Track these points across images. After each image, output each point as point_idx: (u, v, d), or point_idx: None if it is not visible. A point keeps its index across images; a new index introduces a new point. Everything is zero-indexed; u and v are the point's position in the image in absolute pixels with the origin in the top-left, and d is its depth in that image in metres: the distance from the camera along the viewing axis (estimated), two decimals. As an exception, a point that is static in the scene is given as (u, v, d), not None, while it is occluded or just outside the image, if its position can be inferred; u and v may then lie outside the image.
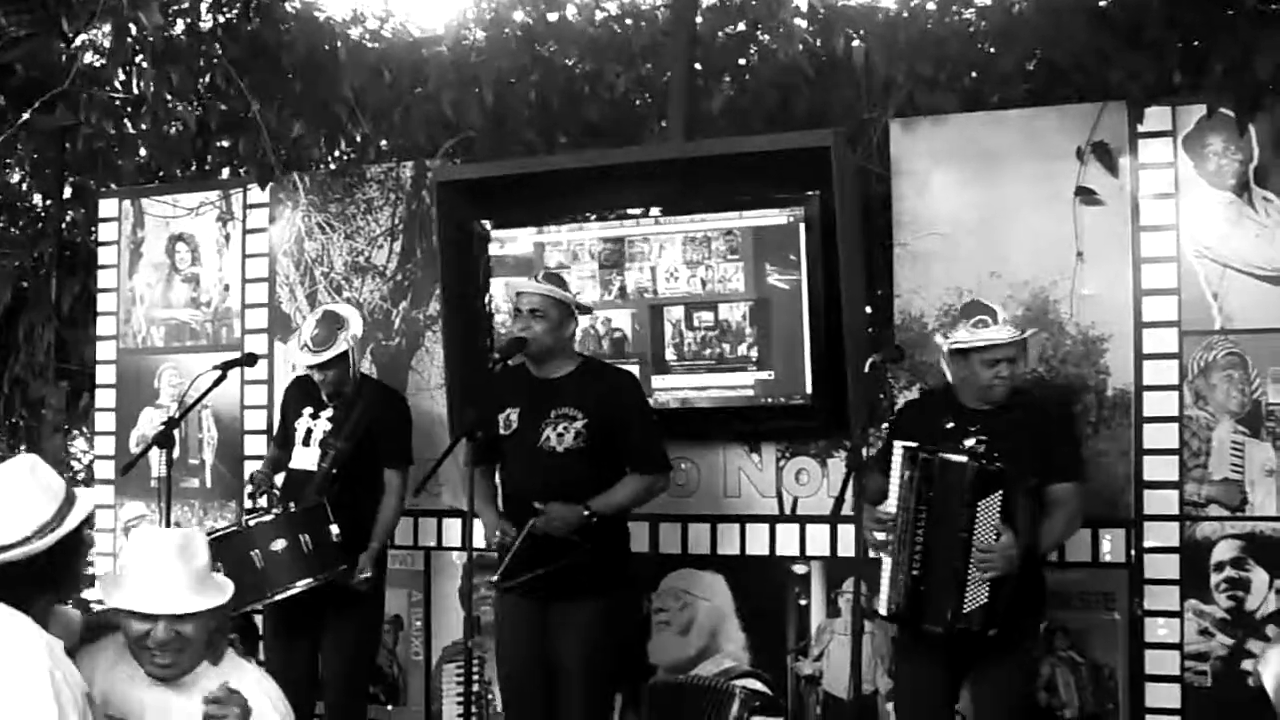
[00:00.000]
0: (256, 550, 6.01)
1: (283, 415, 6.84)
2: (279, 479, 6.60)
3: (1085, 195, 5.99)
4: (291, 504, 6.33)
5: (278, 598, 6.05)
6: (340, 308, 6.69)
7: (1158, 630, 5.91)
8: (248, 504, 6.61)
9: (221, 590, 3.97)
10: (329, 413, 6.54)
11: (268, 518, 6.20)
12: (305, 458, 6.51)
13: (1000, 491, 5.12)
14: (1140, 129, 5.98)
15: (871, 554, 5.40)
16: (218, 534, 6.04)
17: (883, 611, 5.35)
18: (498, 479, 6.02)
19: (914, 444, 5.27)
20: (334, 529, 6.16)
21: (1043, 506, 5.27)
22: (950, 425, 5.37)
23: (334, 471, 6.37)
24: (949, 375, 5.51)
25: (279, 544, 6.06)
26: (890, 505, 5.29)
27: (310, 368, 6.52)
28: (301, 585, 6.06)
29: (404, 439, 6.64)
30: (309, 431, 6.56)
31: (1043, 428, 5.41)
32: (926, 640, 5.29)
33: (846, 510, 5.13)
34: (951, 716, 5.48)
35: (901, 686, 5.64)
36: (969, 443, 5.27)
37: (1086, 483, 5.53)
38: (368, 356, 7.33)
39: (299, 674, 6.37)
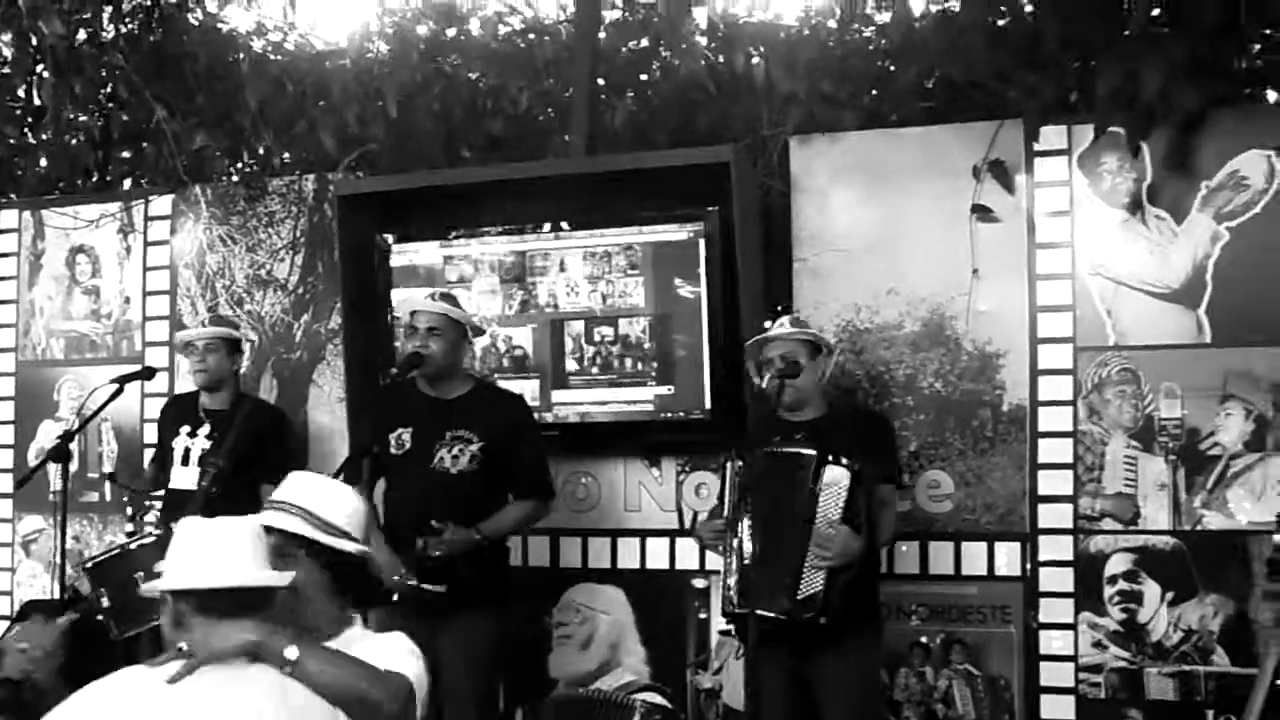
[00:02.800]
0: (140, 573, 5.95)
1: (160, 435, 6.83)
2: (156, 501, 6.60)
3: (982, 213, 6.04)
4: (173, 525, 6.27)
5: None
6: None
7: (1052, 643, 5.95)
8: (128, 527, 6.58)
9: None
10: (206, 430, 6.55)
11: (149, 539, 6.13)
12: (184, 477, 6.51)
13: (845, 483, 5.17)
14: (1036, 147, 6.03)
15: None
16: (99, 558, 6.01)
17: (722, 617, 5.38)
18: (379, 498, 5.96)
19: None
20: None
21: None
22: (778, 439, 5.40)
23: (214, 490, 6.34)
24: None
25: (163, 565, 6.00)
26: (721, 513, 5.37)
27: (190, 345, 6.65)
28: None
29: (282, 455, 6.61)
30: (187, 450, 6.57)
31: (861, 434, 5.47)
32: (770, 645, 5.18)
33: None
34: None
35: (752, 697, 5.32)
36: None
37: (902, 488, 5.71)
38: (269, 369, 7.30)
39: None
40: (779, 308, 5.91)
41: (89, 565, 6.05)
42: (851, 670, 5.36)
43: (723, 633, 6.21)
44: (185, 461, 6.58)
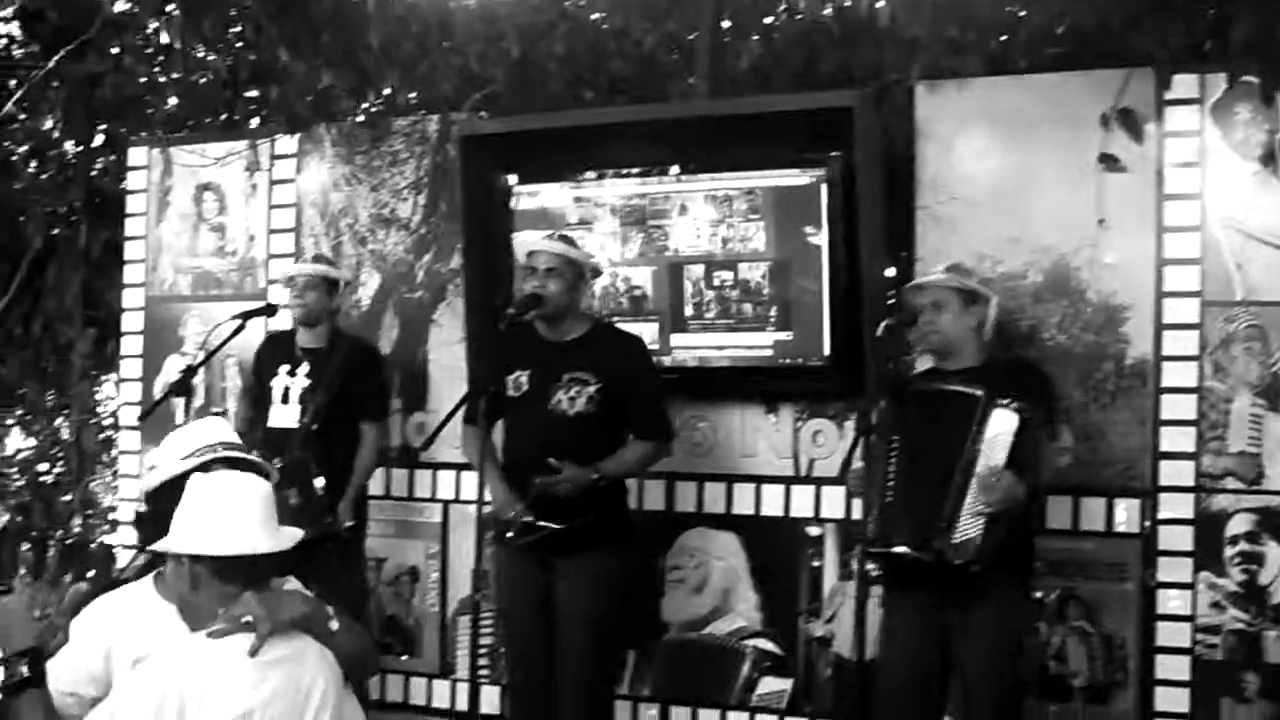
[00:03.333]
0: None
1: (256, 375, 6.95)
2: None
3: (1109, 162, 5.92)
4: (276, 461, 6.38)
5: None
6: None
7: (1170, 602, 5.87)
8: None
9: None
10: (305, 369, 6.66)
11: None
12: (284, 415, 6.63)
13: (1012, 427, 5.10)
14: (1167, 96, 5.89)
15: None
16: None
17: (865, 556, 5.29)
18: (497, 440, 6.01)
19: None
20: (319, 482, 6.23)
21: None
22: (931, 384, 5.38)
23: (314, 426, 6.44)
24: None
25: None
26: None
27: (294, 279, 6.73)
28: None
29: (379, 391, 6.84)
30: (286, 389, 6.65)
31: (1017, 383, 5.33)
32: (910, 590, 5.24)
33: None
34: (940, 675, 5.38)
35: (885, 637, 5.47)
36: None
37: (1056, 436, 5.58)
38: (390, 308, 7.36)
39: None
40: (903, 255, 5.88)
41: None
42: (998, 624, 5.26)
43: (854, 574, 6.16)
44: (285, 400, 6.70)
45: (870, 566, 5.30)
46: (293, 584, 3.86)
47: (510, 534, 5.68)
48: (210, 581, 3.54)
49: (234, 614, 3.47)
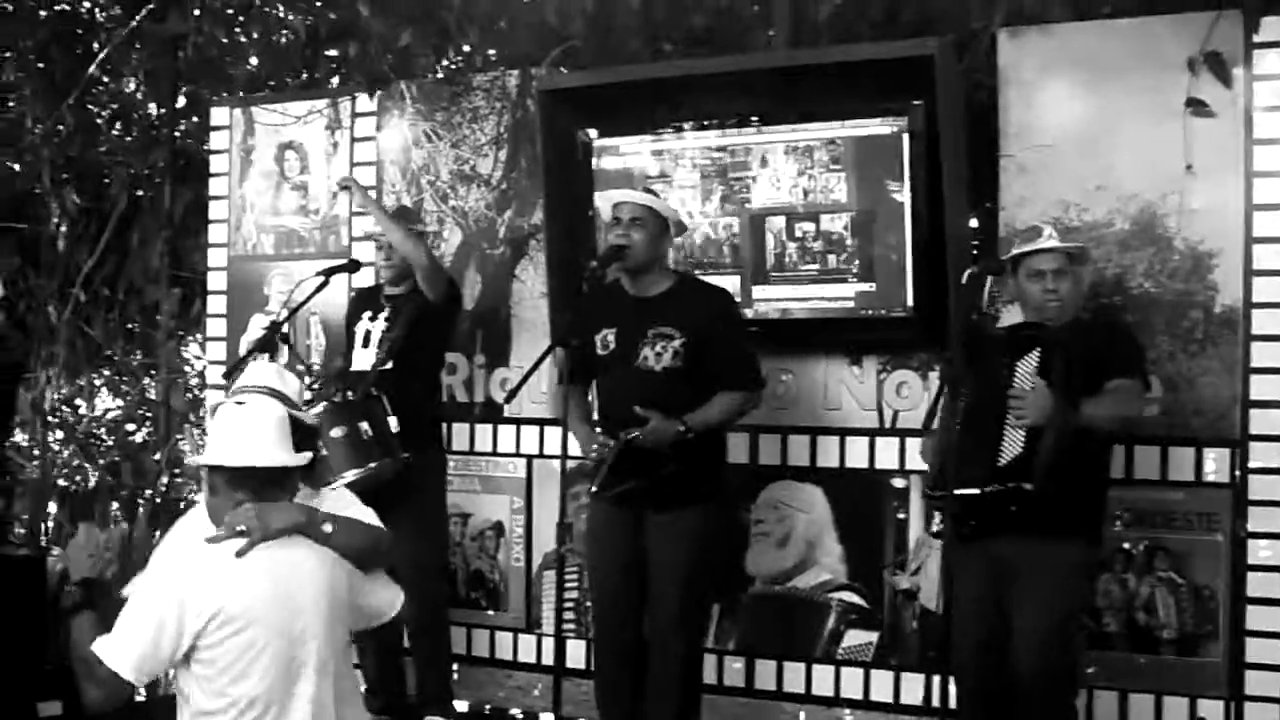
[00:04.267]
0: (319, 439, 6.12)
1: (347, 326, 6.98)
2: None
3: (1196, 107, 5.83)
4: (348, 394, 6.46)
5: (342, 483, 6.13)
6: None
7: (1260, 552, 5.79)
8: (306, 395, 6.76)
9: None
10: (386, 313, 6.71)
11: (325, 406, 6.32)
12: (364, 358, 6.70)
13: (1038, 349, 5.15)
14: (1255, 39, 5.79)
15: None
16: None
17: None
18: (592, 398, 6.04)
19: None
20: (393, 420, 6.28)
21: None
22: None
23: (386, 363, 6.49)
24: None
25: (338, 431, 6.26)
26: None
27: (378, 239, 6.81)
28: (362, 470, 6.25)
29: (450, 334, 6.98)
30: (368, 334, 6.73)
31: (1099, 332, 5.40)
32: (973, 532, 5.21)
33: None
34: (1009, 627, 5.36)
35: (955, 589, 5.40)
36: None
37: (1146, 385, 5.50)
38: (472, 265, 7.38)
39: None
40: (987, 205, 5.83)
41: None
42: (1055, 573, 5.24)
43: (932, 534, 6.13)
44: (365, 344, 6.77)
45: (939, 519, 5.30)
46: (344, 495, 4.51)
47: (595, 488, 5.70)
48: (224, 489, 4.11)
49: (230, 522, 4.03)
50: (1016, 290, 5.52)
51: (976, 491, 5.11)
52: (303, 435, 4.40)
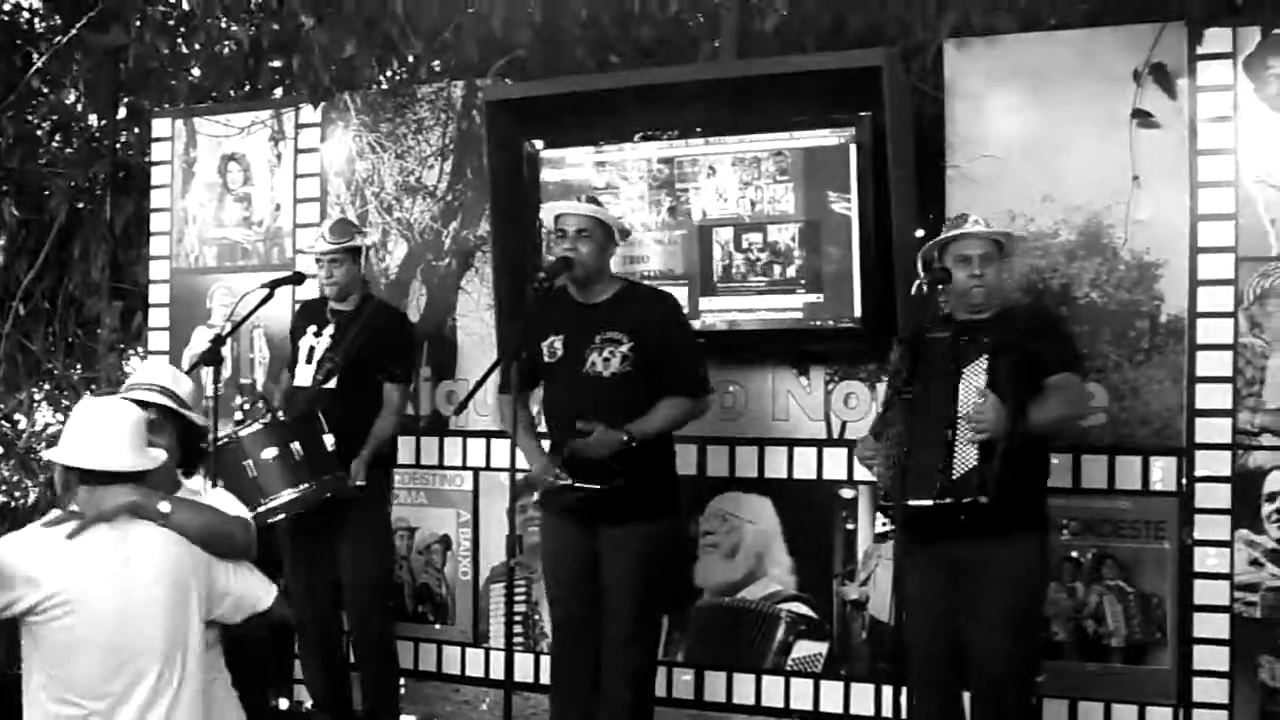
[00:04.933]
0: (249, 460, 6.12)
1: (291, 339, 6.95)
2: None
3: (1142, 118, 5.87)
4: (280, 414, 6.43)
5: (272, 505, 6.13)
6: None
7: (1207, 560, 5.83)
8: (237, 416, 6.73)
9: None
10: (330, 330, 6.68)
11: (257, 427, 6.31)
12: (306, 374, 6.68)
13: (984, 358, 5.13)
14: (1199, 50, 5.84)
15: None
16: (212, 447, 6.09)
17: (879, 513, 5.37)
18: (535, 407, 6.02)
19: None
20: (329, 439, 6.27)
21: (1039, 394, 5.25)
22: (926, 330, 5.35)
23: (326, 385, 6.46)
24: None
25: (270, 452, 6.22)
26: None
27: (321, 255, 6.71)
28: (294, 492, 6.23)
29: (404, 355, 6.85)
30: (311, 349, 6.69)
31: (1034, 328, 5.39)
32: (924, 541, 5.17)
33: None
34: (958, 624, 5.36)
35: (906, 596, 5.36)
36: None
37: (1085, 377, 5.56)
38: (418, 276, 7.34)
39: (322, 593, 6.62)
40: (933, 215, 5.84)
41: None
42: (1013, 568, 5.24)
43: (879, 537, 6.12)
44: (309, 360, 6.73)
45: (890, 525, 5.29)
46: (224, 497, 4.65)
47: (544, 495, 5.68)
48: (76, 485, 4.20)
49: (67, 506, 4.17)
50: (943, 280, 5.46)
51: (930, 503, 5.10)
52: (194, 436, 4.69)
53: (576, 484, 5.59)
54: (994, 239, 5.44)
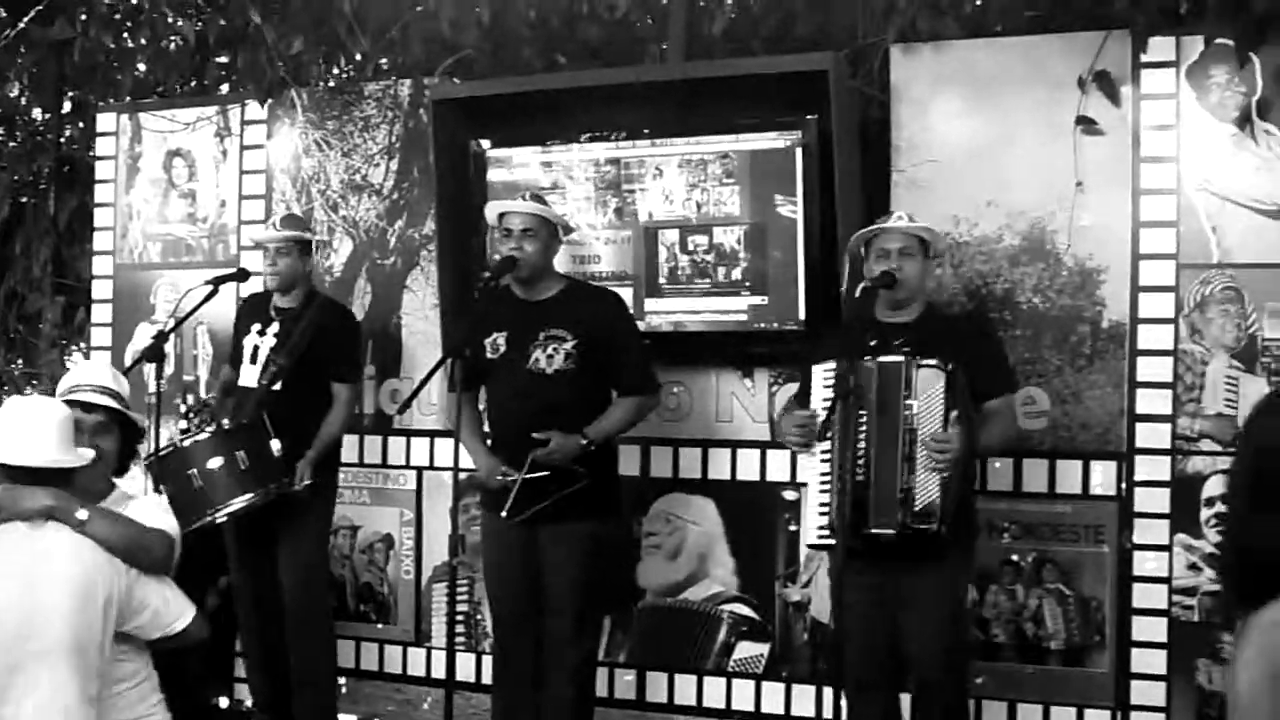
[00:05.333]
0: (194, 469, 6.07)
1: (234, 334, 6.91)
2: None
3: (1086, 125, 5.91)
4: (225, 421, 6.39)
5: (218, 516, 6.12)
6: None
7: (1146, 564, 5.88)
8: (181, 424, 6.69)
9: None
10: (275, 329, 6.61)
11: (203, 436, 6.28)
12: (250, 375, 6.60)
13: (941, 385, 5.09)
14: (1143, 59, 5.88)
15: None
16: (155, 455, 6.06)
17: (813, 539, 5.34)
18: (482, 406, 6.02)
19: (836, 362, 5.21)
20: (275, 444, 6.24)
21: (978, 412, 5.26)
22: (874, 343, 5.30)
23: (273, 388, 6.41)
24: None
25: (215, 462, 6.16)
26: (816, 411, 5.26)
27: (268, 244, 6.64)
28: (240, 501, 6.20)
29: (351, 353, 6.76)
30: (255, 349, 6.63)
31: (965, 342, 5.37)
32: (861, 558, 5.13)
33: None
34: (897, 641, 5.36)
35: (844, 602, 5.31)
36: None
37: (1015, 388, 5.59)
38: (363, 274, 7.32)
39: (264, 592, 6.61)
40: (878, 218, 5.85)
41: (149, 461, 6.11)
42: (942, 585, 5.29)
43: (812, 547, 6.12)
44: (253, 360, 6.66)
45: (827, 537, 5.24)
46: (149, 502, 4.74)
47: (505, 513, 5.66)
48: (5, 480, 4.24)
49: None
50: (868, 273, 5.45)
51: (892, 533, 5.10)
52: (132, 435, 4.74)
53: (527, 475, 5.57)
54: (916, 235, 5.43)
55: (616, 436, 5.94)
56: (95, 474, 4.47)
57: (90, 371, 4.83)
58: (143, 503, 4.66)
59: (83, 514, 4.20)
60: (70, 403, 4.49)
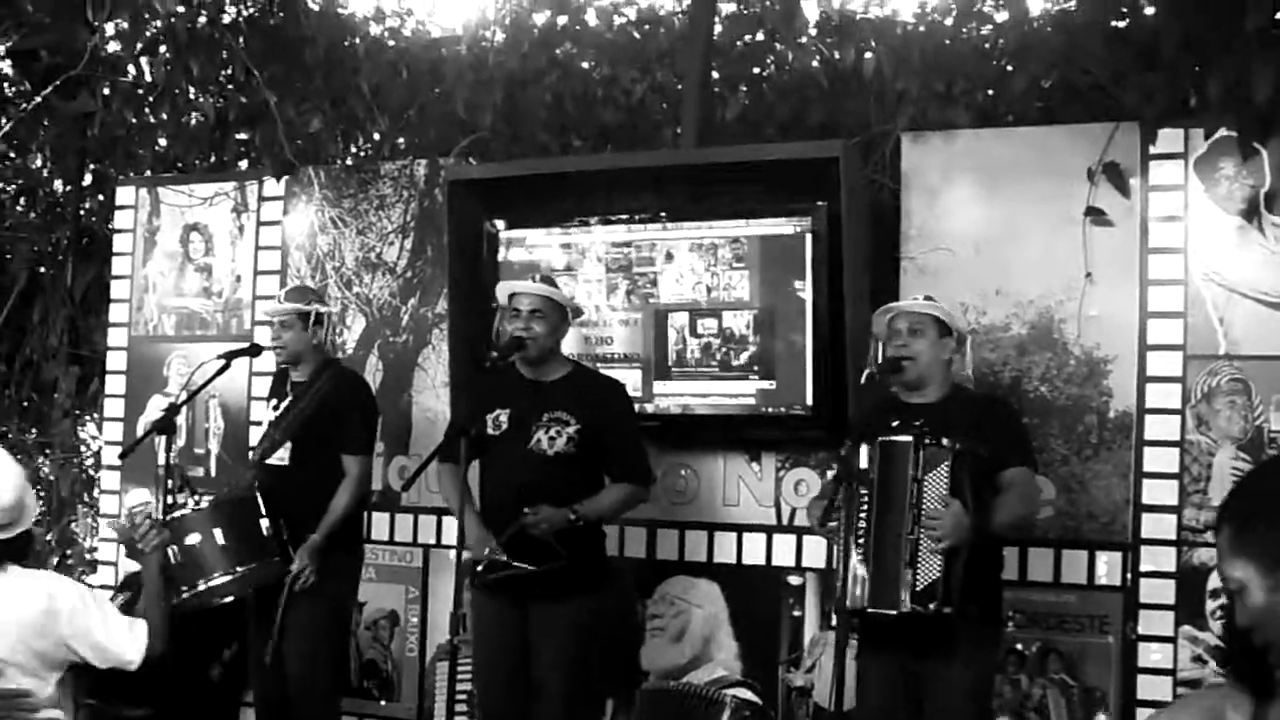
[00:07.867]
0: (173, 546, 5.87)
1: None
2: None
3: (1095, 215, 5.96)
4: (203, 499, 6.30)
5: (190, 594, 5.93)
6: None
7: (1151, 655, 5.86)
8: (168, 500, 6.61)
9: None
10: (287, 402, 6.48)
11: (183, 512, 6.13)
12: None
13: (946, 464, 5.01)
14: (1152, 150, 5.93)
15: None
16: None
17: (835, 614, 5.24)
18: (475, 480, 5.97)
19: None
20: (264, 522, 6.13)
21: (995, 492, 5.16)
22: (895, 424, 5.23)
23: (266, 462, 6.35)
24: None
25: (193, 539, 6.01)
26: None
27: (271, 316, 6.55)
28: (215, 581, 6.02)
29: (360, 424, 6.50)
30: (264, 423, 6.58)
31: (985, 419, 5.30)
32: (882, 643, 5.14)
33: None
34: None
35: (860, 695, 5.33)
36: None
37: (1036, 469, 5.44)
38: (375, 351, 7.36)
39: (275, 669, 6.35)
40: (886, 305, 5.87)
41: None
42: (965, 672, 5.15)
43: (825, 628, 6.10)
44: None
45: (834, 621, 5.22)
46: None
47: (480, 568, 5.64)
48: None
49: None
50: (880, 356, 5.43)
51: (894, 614, 5.04)
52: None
53: (514, 563, 5.56)
54: (932, 316, 5.38)
55: (604, 520, 5.89)
56: None
57: None
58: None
59: None
60: None
